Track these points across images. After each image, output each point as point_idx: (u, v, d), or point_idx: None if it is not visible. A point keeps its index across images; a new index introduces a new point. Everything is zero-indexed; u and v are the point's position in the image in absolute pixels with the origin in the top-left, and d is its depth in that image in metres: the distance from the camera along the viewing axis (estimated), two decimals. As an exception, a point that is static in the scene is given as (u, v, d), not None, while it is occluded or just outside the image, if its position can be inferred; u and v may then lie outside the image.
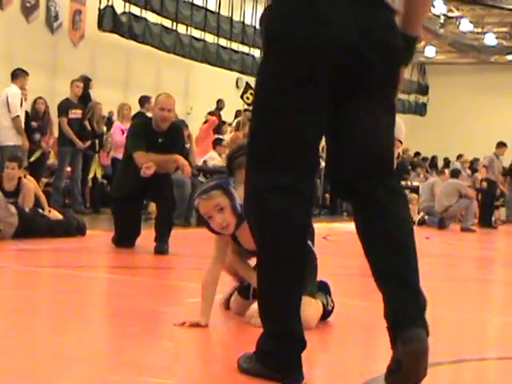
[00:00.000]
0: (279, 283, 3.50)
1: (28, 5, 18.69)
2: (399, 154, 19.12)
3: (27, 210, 10.23)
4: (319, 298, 5.08)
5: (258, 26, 25.81)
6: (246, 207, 3.70)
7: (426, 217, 20.33)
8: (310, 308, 4.87)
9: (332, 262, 8.76)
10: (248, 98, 23.87)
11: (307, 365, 3.90)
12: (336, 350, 4.82)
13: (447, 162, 27.17)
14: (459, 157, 26.24)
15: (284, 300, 3.51)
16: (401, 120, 15.51)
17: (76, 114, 15.16)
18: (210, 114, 19.16)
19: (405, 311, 3.37)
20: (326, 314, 5.22)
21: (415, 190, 22.84)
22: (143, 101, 15.77)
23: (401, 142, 15.12)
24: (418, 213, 20.89)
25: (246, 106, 23.15)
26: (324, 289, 5.20)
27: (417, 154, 28.88)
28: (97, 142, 15.94)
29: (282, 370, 3.47)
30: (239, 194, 4.64)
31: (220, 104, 21.72)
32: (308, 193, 3.53)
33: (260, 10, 26.23)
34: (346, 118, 3.46)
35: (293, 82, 3.31)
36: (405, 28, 3.52)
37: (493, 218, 22.57)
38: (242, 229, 4.79)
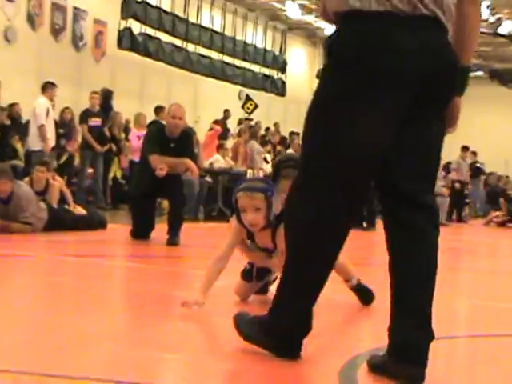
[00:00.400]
0: (311, 281, 3.42)
1: (57, 27, 18.72)
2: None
3: (55, 206, 10.25)
4: None
5: (257, 45, 25.81)
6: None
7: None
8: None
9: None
10: (248, 108, 23.91)
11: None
12: (325, 329, 4.82)
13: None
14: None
15: (309, 295, 3.45)
16: None
17: (95, 121, 15.22)
18: (215, 122, 19.15)
19: (417, 345, 3.24)
20: None
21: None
22: (158, 110, 15.76)
23: None
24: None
25: (246, 116, 23.17)
26: None
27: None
28: (115, 146, 15.99)
29: (284, 349, 3.45)
30: (276, 203, 4.74)
31: (226, 114, 21.72)
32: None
33: (260, 31, 26.22)
34: (411, 132, 3.27)
35: (371, 105, 3.16)
36: (460, 59, 3.30)
37: (463, 214, 22.71)
38: (264, 232, 4.87)
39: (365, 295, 5.19)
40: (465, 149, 22.30)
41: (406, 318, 3.26)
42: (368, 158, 3.23)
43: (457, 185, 21.98)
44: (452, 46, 3.25)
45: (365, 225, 14.82)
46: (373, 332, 4.88)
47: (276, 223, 4.80)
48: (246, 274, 5.13)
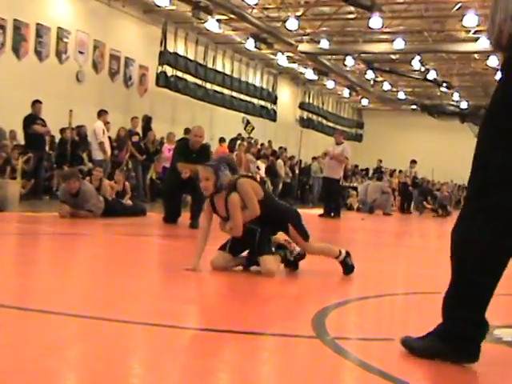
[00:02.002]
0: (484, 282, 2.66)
1: (113, 71, 18.69)
2: (346, 167, 19.50)
3: (109, 198, 10.23)
4: (277, 254, 5.05)
5: (256, 84, 25.77)
6: None
7: (361, 205, 20.40)
8: (268, 263, 4.87)
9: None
10: (248, 130, 24.02)
11: (276, 298, 3.84)
12: (299, 288, 4.80)
13: (375, 171, 27.17)
14: (378, 168, 26.74)
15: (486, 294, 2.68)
16: (347, 144, 15.60)
17: (135, 139, 15.51)
18: (220, 141, 19.33)
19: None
20: (290, 262, 5.19)
21: (355, 188, 22.91)
22: (187, 131, 15.78)
23: (347, 159, 15.22)
24: (357, 202, 21.03)
25: (246, 135, 23.20)
26: (282, 247, 5.15)
27: (356, 166, 28.87)
28: (151, 156, 16.08)
29: (464, 350, 2.67)
30: (225, 177, 4.88)
31: (238, 136, 21.75)
32: None
33: (258, 74, 26.21)
34: None
35: None
36: None
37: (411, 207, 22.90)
38: (217, 198, 4.95)
39: (346, 268, 5.16)
40: (413, 161, 22.57)
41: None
42: None
43: (402, 185, 22.36)
44: None
45: (332, 214, 14.80)
46: (338, 290, 4.87)
47: (228, 192, 4.88)
48: (223, 246, 5.09)
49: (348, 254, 5.16)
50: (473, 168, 2.67)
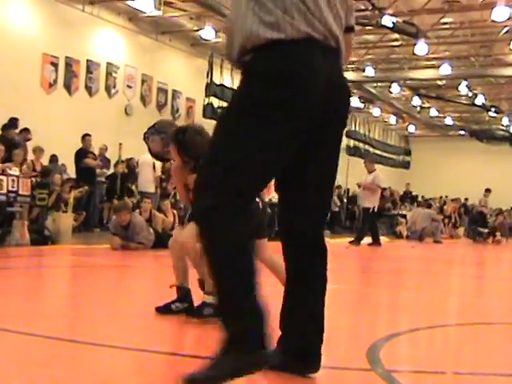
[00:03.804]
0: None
1: (161, 103, 19.05)
2: (383, 194, 19.26)
3: (159, 230, 10.32)
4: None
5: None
6: None
7: (410, 233, 20.22)
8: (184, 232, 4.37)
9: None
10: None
11: (326, 329, 3.79)
12: (347, 318, 4.76)
13: (425, 199, 26.87)
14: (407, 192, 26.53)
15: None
16: (379, 172, 15.50)
17: None
18: None
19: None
20: None
21: (404, 216, 22.72)
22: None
23: (380, 187, 15.19)
24: (407, 230, 20.89)
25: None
26: None
27: (405, 193, 28.60)
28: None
29: (254, 349, 2.32)
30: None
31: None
32: None
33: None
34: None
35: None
36: None
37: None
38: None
39: None
40: (487, 190, 22.95)
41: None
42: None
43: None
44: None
45: (352, 240, 14.63)
46: (391, 322, 4.80)
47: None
48: (181, 218, 4.73)
49: None
50: None
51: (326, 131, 2.65)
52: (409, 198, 25.71)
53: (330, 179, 2.80)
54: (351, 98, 2.90)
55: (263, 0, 2.47)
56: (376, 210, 14.82)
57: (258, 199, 3.96)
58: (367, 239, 15.09)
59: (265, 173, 2.51)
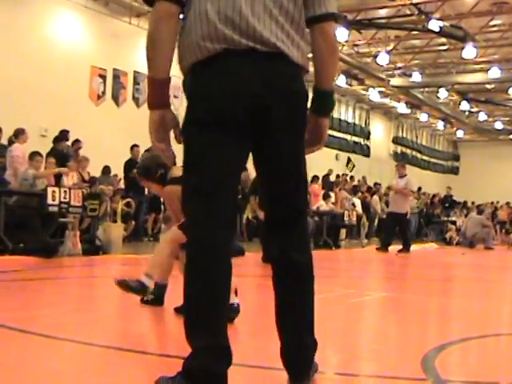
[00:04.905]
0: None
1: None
2: (433, 201, 19.07)
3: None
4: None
5: (348, 120, 25.81)
6: None
7: (461, 240, 20.01)
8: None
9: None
10: (349, 167, 24.06)
11: (380, 338, 3.75)
12: (398, 327, 4.72)
13: (477, 205, 26.49)
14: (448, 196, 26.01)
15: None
16: (411, 176, 15.29)
17: None
18: (312, 181, 18.54)
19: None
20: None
21: (453, 222, 22.45)
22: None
23: (413, 192, 15.08)
24: (457, 236, 20.70)
25: (348, 172, 23.20)
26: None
27: (453, 200, 28.20)
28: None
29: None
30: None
31: (330, 171, 21.65)
32: None
33: (350, 110, 26.25)
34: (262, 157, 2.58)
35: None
36: (319, 84, 2.62)
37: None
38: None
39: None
40: None
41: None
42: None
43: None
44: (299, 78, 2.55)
45: (401, 248, 14.43)
46: (443, 331, 4.74)
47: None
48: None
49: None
50: None
51: (268, 133, 2.48)
52: (449, 202, 25.33)
53: (289, 175, 2.64)
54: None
55: None
56: (408, 215, 14.86)
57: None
58: (396, 246, 14.81)
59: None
